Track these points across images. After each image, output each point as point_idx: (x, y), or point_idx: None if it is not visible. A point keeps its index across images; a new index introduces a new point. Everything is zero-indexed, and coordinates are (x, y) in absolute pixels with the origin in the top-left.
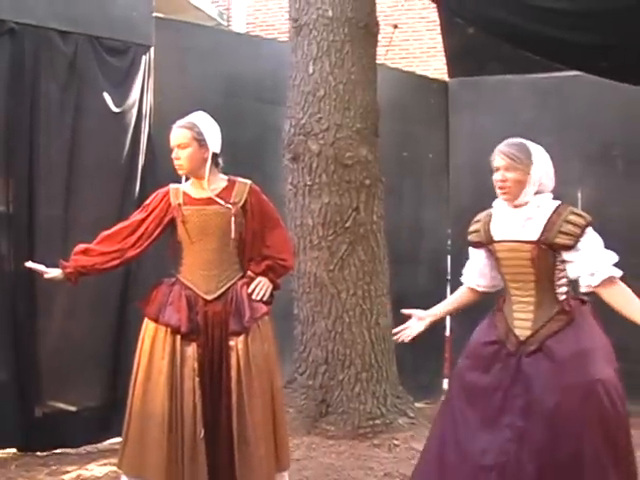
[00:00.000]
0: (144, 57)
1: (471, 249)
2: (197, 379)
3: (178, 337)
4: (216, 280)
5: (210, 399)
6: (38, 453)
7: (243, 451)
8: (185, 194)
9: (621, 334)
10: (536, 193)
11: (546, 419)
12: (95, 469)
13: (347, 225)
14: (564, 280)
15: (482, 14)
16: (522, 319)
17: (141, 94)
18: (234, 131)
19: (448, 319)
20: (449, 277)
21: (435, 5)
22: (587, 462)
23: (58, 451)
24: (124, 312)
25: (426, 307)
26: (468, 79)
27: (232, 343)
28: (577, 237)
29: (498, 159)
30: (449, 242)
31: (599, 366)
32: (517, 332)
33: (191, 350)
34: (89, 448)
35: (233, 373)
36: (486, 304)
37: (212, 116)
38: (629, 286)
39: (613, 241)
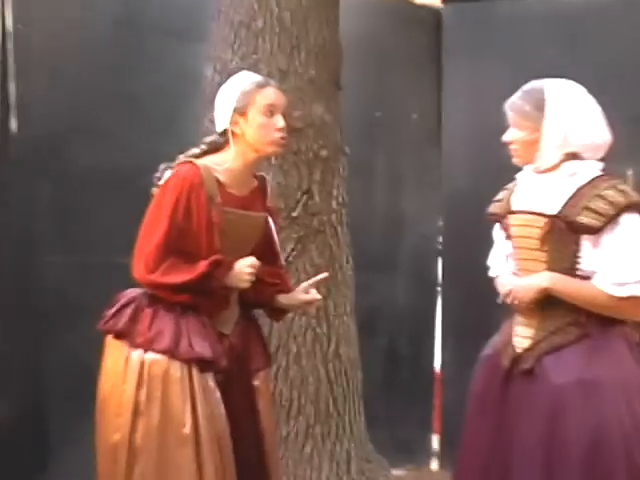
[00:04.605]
0: None
1: (495, 228)
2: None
3: (197, 375)
4: (233, 309)
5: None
6: None
7: None
8: (221, 185)
9: None
10: (572, 156)
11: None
12: None
13: (294, 215)
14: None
15: None
16: (524, 325)
17: None
18: (133, 78)
19: (438, 349)
20: (440, 288)
21: None
22: None
23: None
24: None
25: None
26: (469, 4)
27: (257, 383)
28: (607, 219)
29: (507, 113)
30: (440, 239)
31: (609, 407)
32: (516, 342)
33: (214, 388)
34: None
35: (265, 423)
36: (486, 327)
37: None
38: None
39: None
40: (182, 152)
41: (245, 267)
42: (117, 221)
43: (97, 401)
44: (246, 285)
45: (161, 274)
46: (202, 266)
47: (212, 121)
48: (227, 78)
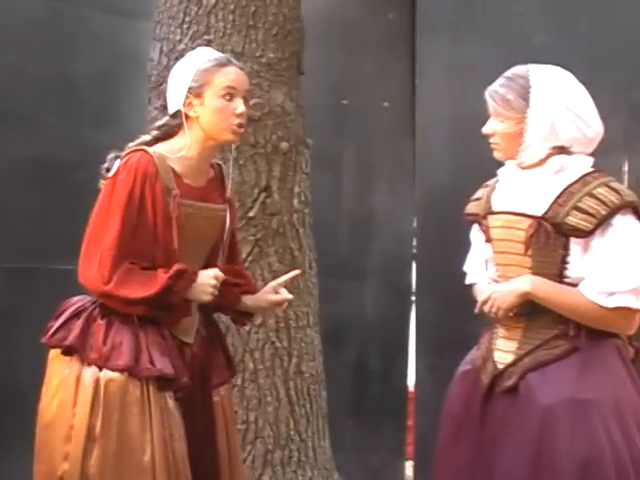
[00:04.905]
0: None
1: (473, 230)
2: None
3: (155, 394)
4: (194, 315)
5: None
6: None
7: None
8: (177, 176)
9: None
10: (560, 151)
11: None
12: None
13: (251, 215)
14: None
15: None
16: (506, 337)
17: None
18: (69, 59)
19: (412, 365)
20: (414, 296)
21: None
22: None
23: None
24: None
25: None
26: None
27: (217, 399)
28: (598, 220)
29: (488, 102)
30: (414, 241)
31: (601, 430)
32: (496, 357)
33: (173, 408)
34: None
35: (222, 443)
36: (465, 340)
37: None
38: None
39: None
40: (124, 143)
41: (209, 279)
42: (49, 222)
43: (38, 426)
44: (209, 299)
45: (117, 284)
46: (162, 280)
47: (158, 109)
48: (175, 61)
